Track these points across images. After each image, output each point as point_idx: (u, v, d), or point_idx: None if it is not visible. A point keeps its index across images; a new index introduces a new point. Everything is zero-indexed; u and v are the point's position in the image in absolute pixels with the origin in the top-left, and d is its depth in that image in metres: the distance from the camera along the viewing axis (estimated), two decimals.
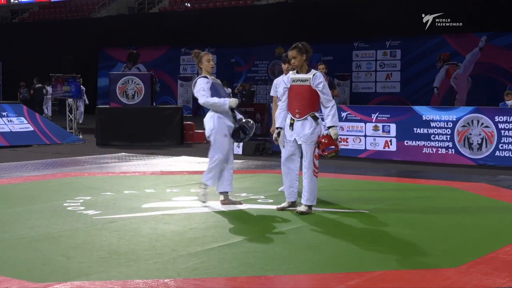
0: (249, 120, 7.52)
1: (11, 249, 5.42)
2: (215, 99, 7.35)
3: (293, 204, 7.16)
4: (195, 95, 7.55)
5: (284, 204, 7.20)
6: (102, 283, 4.46)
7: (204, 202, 7.48)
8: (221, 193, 7.53)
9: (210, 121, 7.44)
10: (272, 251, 5.39)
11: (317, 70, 7.26)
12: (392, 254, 5.35)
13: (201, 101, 7.41)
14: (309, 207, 7.00)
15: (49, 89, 25.68)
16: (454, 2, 23.50)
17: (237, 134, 7.41)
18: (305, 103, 7.00)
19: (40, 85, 26.15)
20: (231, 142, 7.53)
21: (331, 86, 13.66)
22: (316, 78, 6.95)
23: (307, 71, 7.05)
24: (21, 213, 6.92)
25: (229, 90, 22.18)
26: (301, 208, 7.00)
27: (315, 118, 6.97)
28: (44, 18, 36.51)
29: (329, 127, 6.96)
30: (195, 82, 7.54)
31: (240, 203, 7.52)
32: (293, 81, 7.09)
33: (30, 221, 6.48)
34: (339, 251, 5.50)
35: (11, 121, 15.64)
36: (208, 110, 7.52)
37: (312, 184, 6.96)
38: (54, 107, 29.44)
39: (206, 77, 7.50)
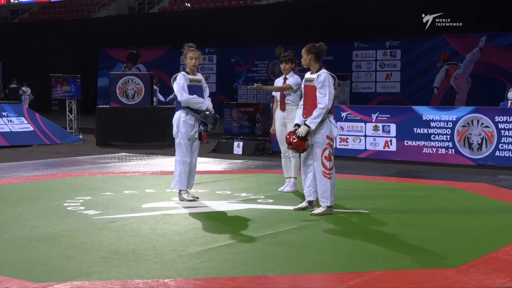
0: (210, 115, 7.64)
1: (11, 249, 5.42)
2: (194, 97, 7.51)
3: (311, 203, 7.13)
4: (175, 91, 7.66)
5: (302, 204, 7.19)
6: (102, 283, 4.46)
7: (192, 200, 7.62)
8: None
9: (176, 123, 7.68)
10: (272, 251, 5.39)
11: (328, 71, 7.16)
12: (392, 254, 5.36)
13: (181, 98, 7.54)
14: (326, 208, 6.95)
15: (26, 89, 25.75)
16: (454, 2, 23.49)
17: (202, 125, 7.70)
18: (311, 104, 6.95)
19: (15, 85, 26.19)
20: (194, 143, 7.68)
21: None
22: (319, 77, 6.92)
23: (317, 71, 7.01)
24: (21, 213, 6.92)
25: (156, 88, 21.72)
26: (315, 210, 6.99)
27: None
28: (44, 18, 36.50)
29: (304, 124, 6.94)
30: (175, 78, 7.65)
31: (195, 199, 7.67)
32: (305, 81, 7.15)
33: (30, 221, 6.48)
34: (339, 251, 5.50)
35: (11, 121, 15.64)
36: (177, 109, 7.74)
37: (323, 185, 6.90)
38: (54, 107, 29.47)
39: (184, 75, 7.57)
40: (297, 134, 6.90)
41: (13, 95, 25.72)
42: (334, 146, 7.22)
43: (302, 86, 7.27)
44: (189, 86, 7.57)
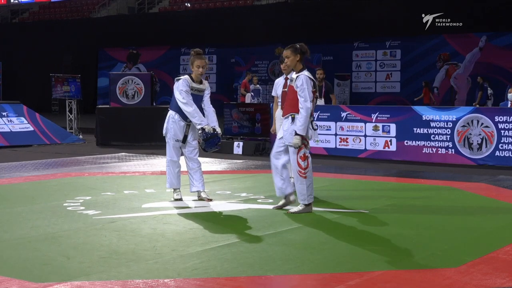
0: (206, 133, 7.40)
1: (11, 249, 5.42)
2: (191, 111, 7.35)
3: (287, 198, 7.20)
4: (176, 94, 7.50)
5: (280, 203, 7.26)
6: (102, 283, 4.46)
7: (177, 200, 7.70)
8: (193, 192, 7.74)
9: (166, 122, 7.73)
10: (272, 251, 5.39)
11: (312, 72, 7.19)
12: (392, 254, 5.35)
13: (186, 109, 7.41)
14: (303, 206, 6.99)
15: None
16: (454, 2, 23.51)
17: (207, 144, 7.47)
18: (289, 103, 7.05)
19: None
20: (191, 145, 7.70)
21: (329, 91, 13.88)
22: (298, 80, 6.92)
23: (299, 72, 7.01)
24: (21, 213, 6.92)
25: (259, 87, 21.15)
26: (292, 209, 7.05)
27: (294, 119, 6.95)
28: (44, 18, 36.49)
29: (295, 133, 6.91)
30: (178, 80, 7.53)
31: (210, 200, 7.64)
32: (289, 80, 7.21)
33: (30, 221, 6.48)
34: (339, 251, 5.50)
35: (11, 121, 15.64)
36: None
37: (299, 184, 6.99)
38: (54, 107, 29.50)
39: (188, 82, 7.43)
40: (294, 146, 6.92)
41: None
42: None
43: (288, 85, 7.24)
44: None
